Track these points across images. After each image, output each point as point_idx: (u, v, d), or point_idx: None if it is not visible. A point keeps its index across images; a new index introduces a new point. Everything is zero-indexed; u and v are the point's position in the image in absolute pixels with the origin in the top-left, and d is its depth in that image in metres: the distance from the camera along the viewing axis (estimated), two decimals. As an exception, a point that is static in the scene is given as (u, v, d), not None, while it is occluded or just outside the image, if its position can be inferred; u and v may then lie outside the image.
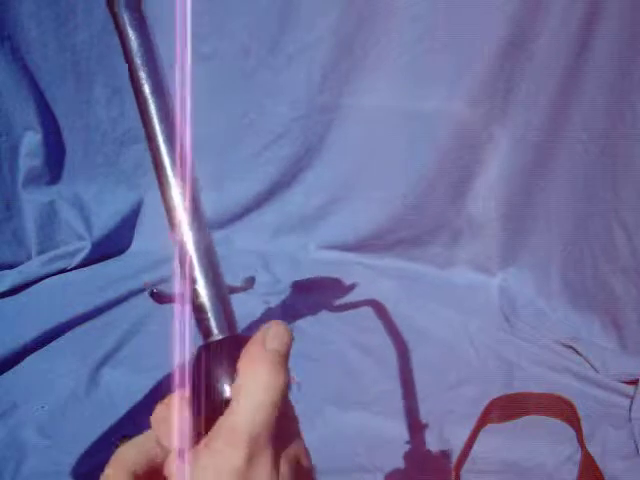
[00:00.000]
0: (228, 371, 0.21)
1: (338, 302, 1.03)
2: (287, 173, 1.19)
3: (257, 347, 0.21)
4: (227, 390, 0.21)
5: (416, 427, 0.76)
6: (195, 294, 0.23)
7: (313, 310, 1.01)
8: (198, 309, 0.23)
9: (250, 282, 0.26)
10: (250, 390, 0.20)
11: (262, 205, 1.23)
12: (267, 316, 1.00)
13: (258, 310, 1.01)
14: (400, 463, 0.70)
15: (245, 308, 1.02)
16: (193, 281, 0.23)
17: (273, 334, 0.21)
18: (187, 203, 0.23)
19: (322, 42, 1.07)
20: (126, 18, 0.24)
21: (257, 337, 0.21)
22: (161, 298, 0.24)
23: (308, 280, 1.09)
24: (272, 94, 1.13)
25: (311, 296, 1.06)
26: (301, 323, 0.99)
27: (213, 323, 0.23)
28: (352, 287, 1.06)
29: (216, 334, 0.23)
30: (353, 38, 1.06)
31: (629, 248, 0.85)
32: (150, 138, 0.24)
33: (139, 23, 0.24)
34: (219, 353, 0.22)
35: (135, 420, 0.73)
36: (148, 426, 0.21)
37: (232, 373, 0.21)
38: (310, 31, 1.06)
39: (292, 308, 1.03)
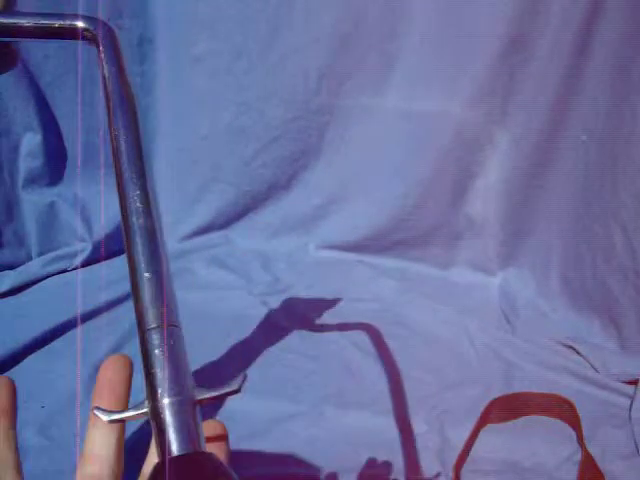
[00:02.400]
0: None
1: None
2: (286, 173, 1.19)
3: None
4: None
5: (416, 427, 0.76)
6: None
7: (315, 313, 1.01)
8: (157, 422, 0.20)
9: (240, 383, 0.21)
10: None
11: (262, 205, 1.23)
12: (267, 317, 1.00)
13: (256, 310, 1.01)
14: (400, 463, 0.70)
15: (244, 308, 1.02)
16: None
17: None
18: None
19: (318, 42, 1.06)
20: None
21: None
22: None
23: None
24: (268, 95, 1.13)
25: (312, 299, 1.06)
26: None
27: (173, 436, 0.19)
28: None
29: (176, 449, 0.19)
30: (349, 38, 1.05)
31: (627, 249, 0.85)
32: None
33: None
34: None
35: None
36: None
37: None
38: (305, 31, 1.06)
39: (292, 310, 1.03)
